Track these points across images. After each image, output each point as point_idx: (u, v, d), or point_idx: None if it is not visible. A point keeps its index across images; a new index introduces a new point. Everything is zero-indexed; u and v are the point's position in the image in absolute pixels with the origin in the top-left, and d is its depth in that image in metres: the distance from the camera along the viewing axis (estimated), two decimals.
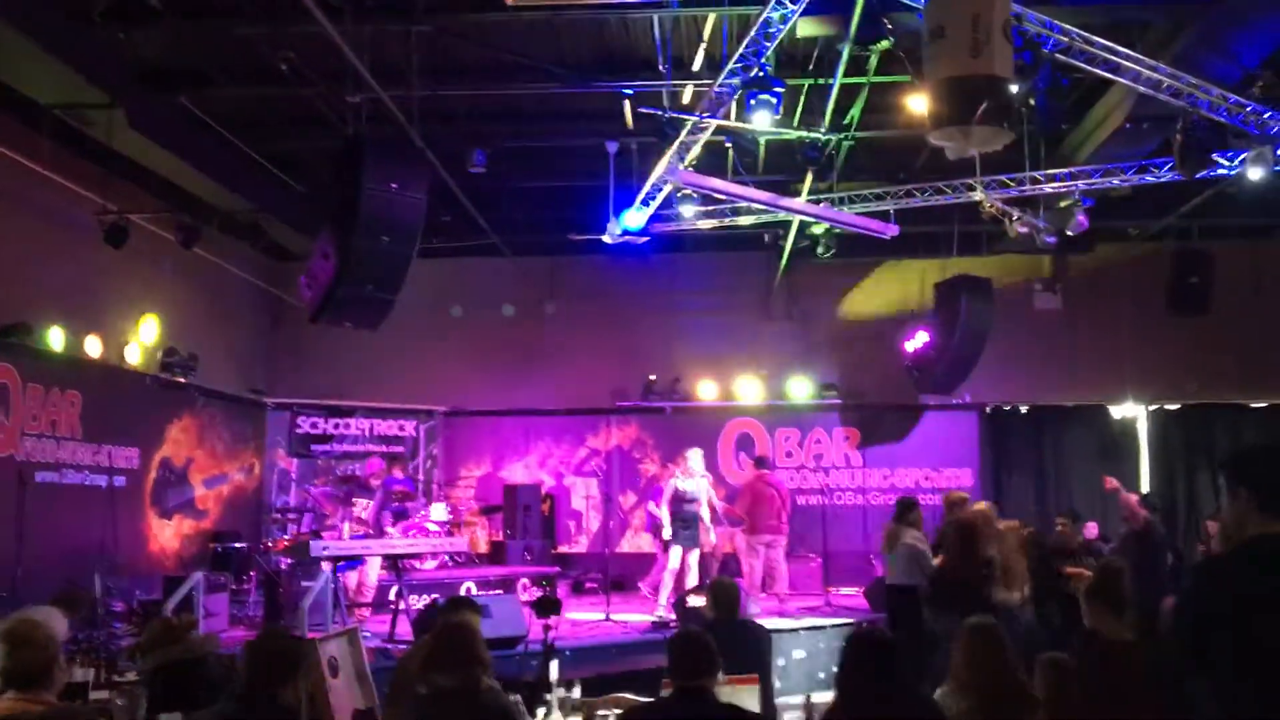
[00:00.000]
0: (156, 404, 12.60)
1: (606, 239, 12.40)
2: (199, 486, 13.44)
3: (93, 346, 11.38)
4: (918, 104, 9.05)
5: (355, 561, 10.67)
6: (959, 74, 6.68)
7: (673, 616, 10.88)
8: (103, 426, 11.31)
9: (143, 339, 12.39)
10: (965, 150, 7.39)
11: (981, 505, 10.07)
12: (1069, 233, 11.88)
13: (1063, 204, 11.79)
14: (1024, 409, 15.83)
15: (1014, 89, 7.24)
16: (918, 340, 14.65)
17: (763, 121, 9.07)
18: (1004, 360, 14.73)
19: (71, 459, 10.86)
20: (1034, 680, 4.51)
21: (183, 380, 12.93)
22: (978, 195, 11.59)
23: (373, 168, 8.99)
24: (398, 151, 9.81)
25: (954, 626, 4.85)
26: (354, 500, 11.63)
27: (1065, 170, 11.54)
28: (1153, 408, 15.68)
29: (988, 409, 15.66)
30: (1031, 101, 8.79)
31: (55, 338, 10.79)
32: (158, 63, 10.25)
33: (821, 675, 9.67)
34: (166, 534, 12.71)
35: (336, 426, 15.30)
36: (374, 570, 11.22)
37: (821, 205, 12.24)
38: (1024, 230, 12.09)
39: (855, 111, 10.86)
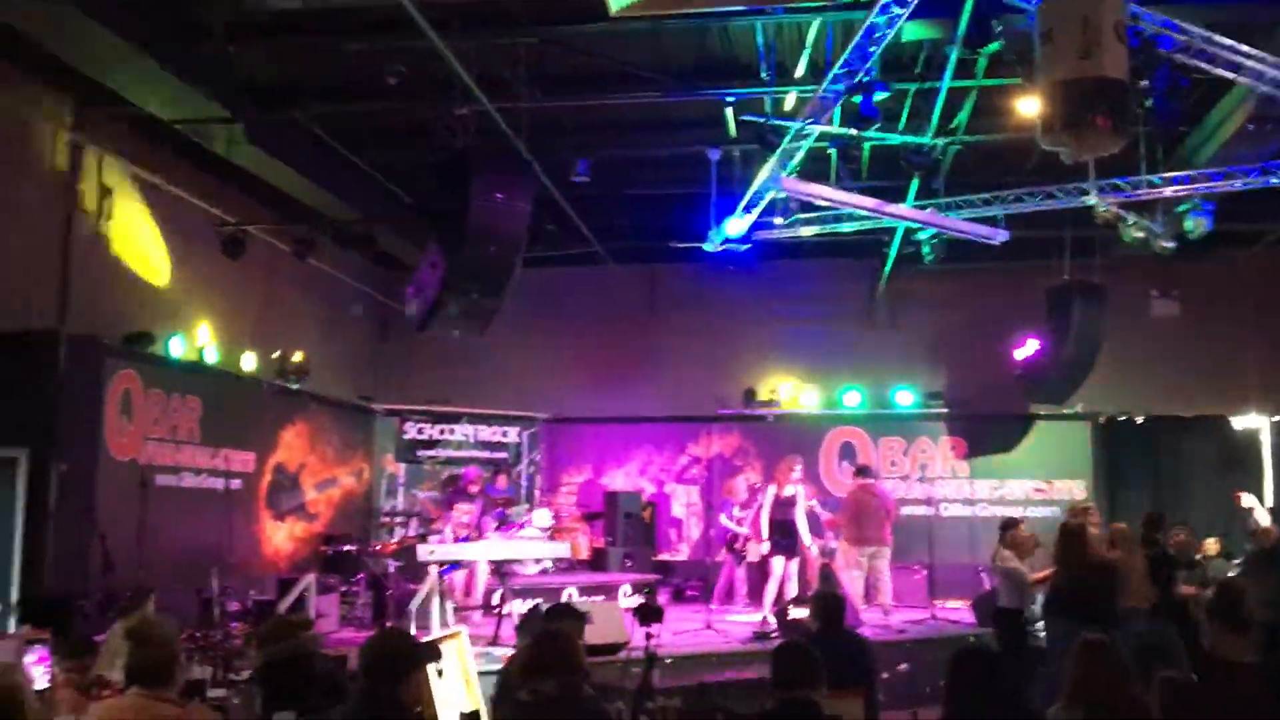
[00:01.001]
0: (271, 410, 12.99)
1: (708, 247, 12.39)
2: (311, 490, 13.80)
3: (210, 354, 11.79)
4: (1028, 107, 8.85)
5: (463, 564, 10.83)
6: (1069, 77, 6.53)
7: (774, 627, 10.79)
8: (220, 431, 11.70)
9: (258, 347, 12.78)
10: (1079, 155, 7.20)
11: (1081, 504, 9.84)
12: (1188, 237, 11.47)
13: (1181, 208, 11.39)
14: (1139, 419, 15.32)
15: (1129, 90, 7.02)
16: (1028, 348, 14.30)
17: (865, 127, 8.98)
18: (1119, 369, 14.29)
19: (190, 462, 11.25)
20: (1150, 697, 4.35)
21: (296, 387, 13.31)
22: (1091, 199, 11.26)
23: (479, 179, 9.15)
24: (503, 162, 9.96)
25: (1067, 636, 4.72)
26: (455, 505, 11.81)
27: (1184, 173, 11.14)
28: (1277, 419, 15.03)
29: (1101, 419, 15.19)
30: (1149, 103, 8.51)
31: (175, 345, 11.20)
32: (273, 79, 10.58)
33: (928, 689, 9.48)
34: (280, 536, 13.08)
35: (442, 432, 15.57)
36: (483, 574, 11.37)
37: (928, 211, 12.04)
38: (1139, 235, 11.72)
39: (963, 115, 10.66)
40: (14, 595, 8.87)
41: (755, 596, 12.51)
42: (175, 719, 3.73)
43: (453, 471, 14.90)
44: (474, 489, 12.24)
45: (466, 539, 11.47)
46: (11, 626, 8.33)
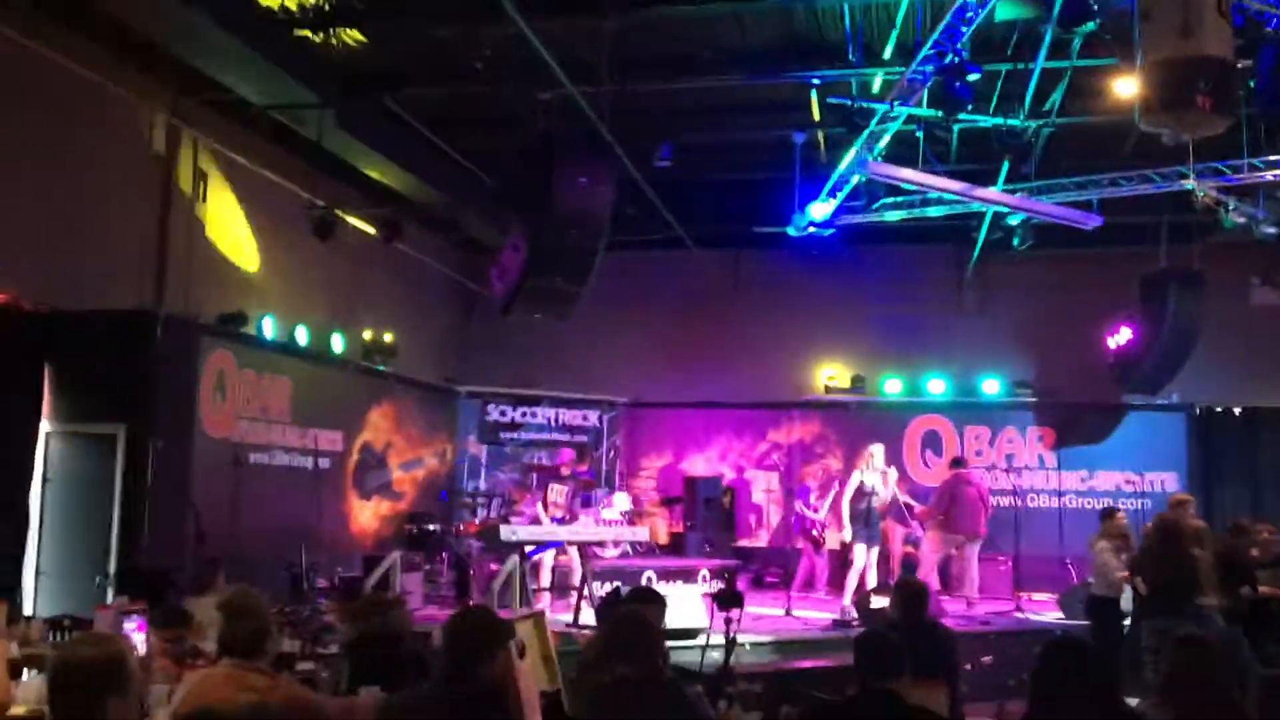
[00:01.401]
0: (359, 390, 13.23)
1: (792, 231, 12.28)
2: (396, 470, 14.04)
3: (301, 335, 12.04)
4: (1125, 88, 8.59)
5: (548, 545, 10.91)
6: (1169, 56, 6.32)
7: (855, 615, 10.71)
8: (310, 411, 11.95)
9: (346, 328, 13.02)
10: (1179, 136, 6.97)
11: (1179, 497, 9.58)
12: None
13: None
14: (1238, 410, 14.84)
15: (1233, 70, 6.77)
16: (1121, 336, 13.94)
17: (955, 109, 8.81)
18: (1216, 358, 13.85)
19: (281, 441, 11.52)
20: (1244, 698, 4.22)
21: (383, 368, 13.53)
22: (1190, 183, 10.91)
23: (562, 163, 9.17)
24: (586, 147, 9.97)
25: (1159, 633, 4.59)
26: (549, 486, 11.88)
27: None
28: None
29: (1197, 410, 14.75)
30: (1252, 83, 8.21)
31: (267, 326, 11.46)
32: (362, 64, 10.74)
33: (1011, 682, 9.32)
34: (366, 515, 13.33)
35: (524, 415, 15.71)
36: (576, 555, 11.40)
37: (1018, 195, 11.78)
38: (1240, 220, 11.33)
39: (1056, 96, 10.39)
40: (112, 566, 9.17)
41: (835, 585, 12.43)
42: (265, 689, 3.81)
43: (537, 453, 15.06)
44: (566, 471, 12.31)
45: (561, 520, 11.53)
46: (110, 597, 8.62)
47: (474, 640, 3.96)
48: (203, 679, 4.06)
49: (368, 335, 13.49)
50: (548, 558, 11.24)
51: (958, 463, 12.68)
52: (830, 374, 15.72)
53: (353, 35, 10.03)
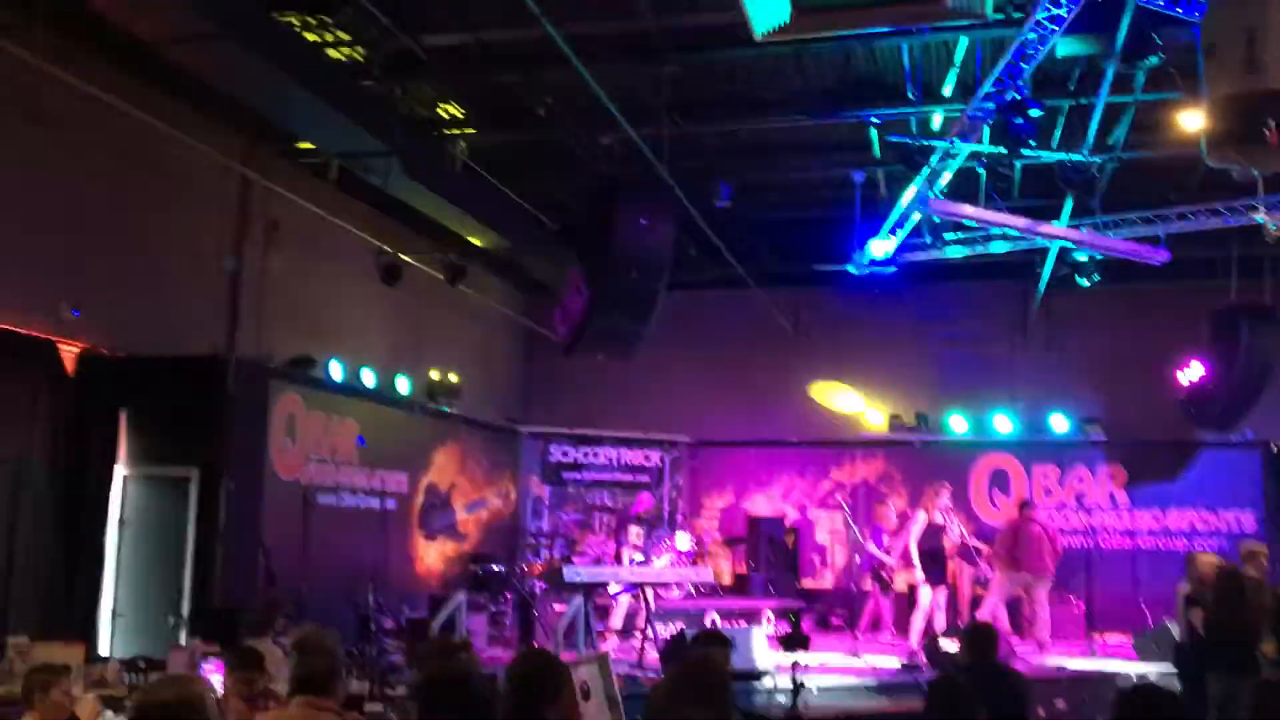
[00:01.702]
0: (423, 432, 13.38)
1: (852, 269, 12.25)
2: (460, 511, 14.14)
3: (368, 377, 12.22)
4: (1190, 121, 8.50)
5: (628, 588, 10.90)
6: (1235, 91, 6.25)
7: (923, 659, 10.54)
8: (376, 452, 12.10)
9: (412, 370, 13.20)
10: (1247, 171, 6.87)
11: (1251, 548, 9.31)
12: None
13: None
14: None
15: None
16: (1193, 372, 13.65)
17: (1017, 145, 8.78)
18: None
19: (349, 483, 11.66)
20: None
21: (447, 410, 13.67)
22: (1260, 216, 10.72)
23: (623, 206, 9.26)
24: (647, 189, 10.06)
25: (1227, 685, 4.47)
26: (628, 528, 11.86)
27: None
28: None
29: (1274, 447, 14.37)
30: None
31: (335, 369, 11.66)
32: (428, 111, 10.96)
33: None
34: (431, 555, 13.43)
35: (586, 455, 15.75)
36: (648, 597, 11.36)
37: (1084, 230, 11.65)
38: None
39: (1121, 131, 10.30)
40: (186, 607, 9.33)
41: (901, 627, 12.26)
42: None
43: (600, 493, 15.09)
44: (643, 514, 12.32)
45: (645, 563, 11.53)
46: (183, 638, 8.77)
47: (537, 683, 3.97)
48: (273, 718, 4.09)
49: (433, 376, 13.65)
50: (623, 599, 11.20)
51: (1025, 506, 12.47)
52: (899, 412, 15.57)
53: (420, 83, 10.25)
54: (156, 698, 3.17)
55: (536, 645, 10.37)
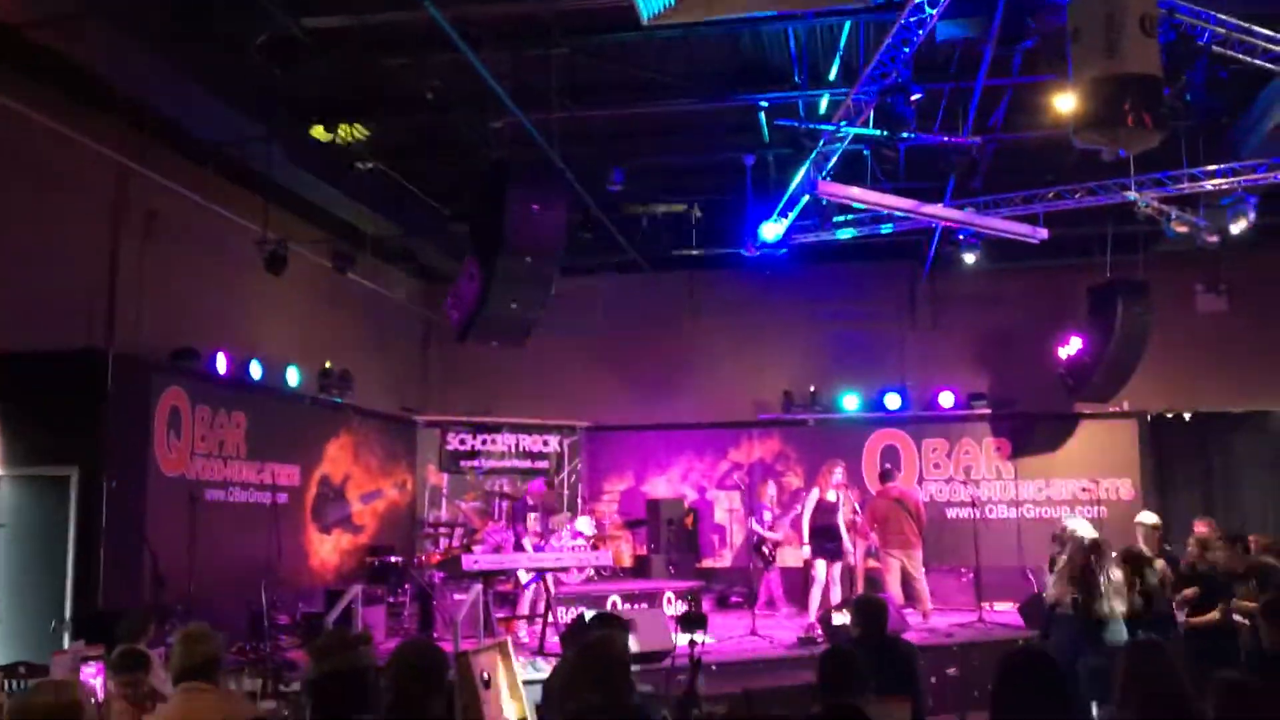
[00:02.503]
0: (315, 423, 13.13)
1: (745, 252, 12.38)
2: (356, 502, 13.93)
3: (256, 369, 11.94)
4: (1065, 103, 8.77)
5: (537, 576, 10.85)
6: (1097, 74, 6.48)
7: (819, 633, 10.76)
8: (265, 446, 11.84)
9: (301, 361, 12.92)
10: (1114, 152, 7.13)
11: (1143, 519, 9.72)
12: (1232, 231, 11.31)
13: (1224, 201, 11.23)
14: (1188, 416, 15.10)
15: (1160, 85, 6.93)
16: (1071, 346, 14.16)
17: (900, 128, 8.96)
18: (1165, 365, 14.11)
19: (238, 477, 11.40)
20: (1207, 702, 4.28)
21: (339, 400, 13.43)
22: (1133, 195, 11.15)
23: (515, 190, 9.19)
24: (538, 173, 10.02)
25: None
26: (527, 516, 11.80)
27: (1226, 165, 10.99)
28: None
29: (1149, 416, 15.00)
30: (1187, 96, 8.41)
31: (221, 362, 11.35)
32: (312, 96, 10.71)
33: (976, 694, 9.41)
34: (326, 548, 13.20)
35: (484, 443, 15.65)
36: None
37: (965, 210, 11.97)
38: (1183, 230, 11.57)
39: (999, 113, 10.58)
40: (68, 611, 9.02)
41: (799, 602, 12.50)
42: (215, 705, 4.10)
43: (499, 480, 15.00)
44: (533, 501, 12.26)
45: (542, 548, 11.48)
46: (66, 642, 8.47)
47: (417, 674, 3.96)
48: (162, 713, 4.12)
49: (325, 366, 13.38)
50: (532, 588, 11.17)
51: (886, 475, 12.86)
52: (791, 392, 15.80)
53: (303, 67, 10.00)
54: (31, 703, 3.08)
55: (424, 636, 10.29)
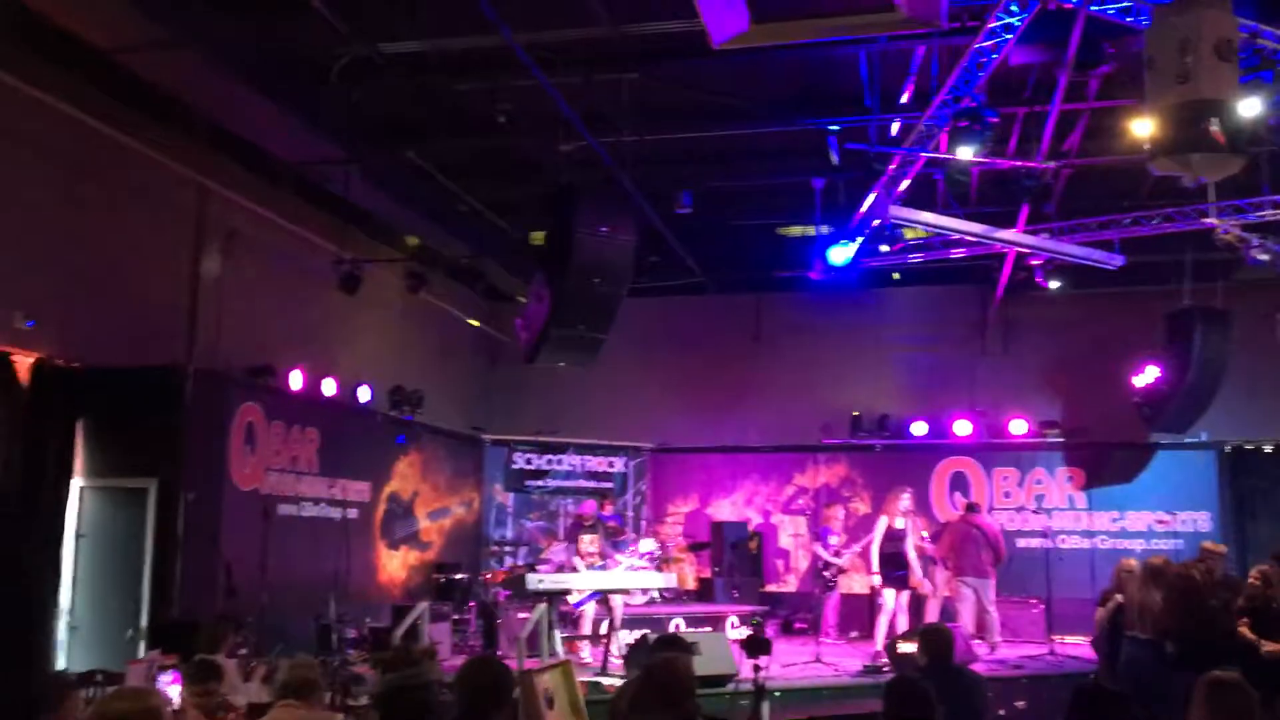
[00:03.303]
0: (386, 440, 13.31)
1: (813, 275, 12.33)
2: (423, 519, 14.08)
3: (329, 386, 12.15)
4: (1142, 128, 8.64)
5: (591, 596, 10.86)
6: (1171, 101, 6.38)
7: (885, 661, 10.62)
8: (337, 462, 12.03)
9: (373, 379, 13.12)
10: (1193, 178, 6.99)
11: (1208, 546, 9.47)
12: None
13: None
14: (1268, 447, 14.68)
15: (1233, 111, 6.79)
16: (1148, 375, 13.87)
17: (968, 153, 8.87)
18: (1245, 395, 13.77)
19: (310, 492, 11.59)
20: None
21: (409, 418, 13.61)
22: (1212, 221, 10.91)
23: (584, 213, 9.26)
24: (608, 196, 10.08)
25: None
26: (579, 537, 11.83)
27: None
28: None
29: (1227, 447, 14.61)
30: (1273, 122, 8.23)
31: (296, 379, 11.58)
32: (388, 119, 10.93)
33: None
34: (394, 564, 13.36)
35: (549, 462, 15.73)
36: (619, 605, 11.30)
37: (1039, 236, 11.80)
38: (1264, 257, 11.30)
39: (1075, 137, 10.44)
40: (144, 620, 9.23)
41: (849, 629, 12.37)
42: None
43: (564, 500, 15.05)
44: (589, 520, 12.27)
45: (603, 568, 11.47)
46: (141, 651, 8.67)
47: (483, 692, 4.00)
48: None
49: (394, 385, 13.58)
50: (589, 608, 11.18)
51: (971, 509, 12.65)
52: (859, 416, 15.66)
53: (379, 91, 10.21)
54: (111, 710, 3.16)
55: (490, 653, 10.34)
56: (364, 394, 12.87)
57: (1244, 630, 7.81)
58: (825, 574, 12.78)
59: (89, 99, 9.25)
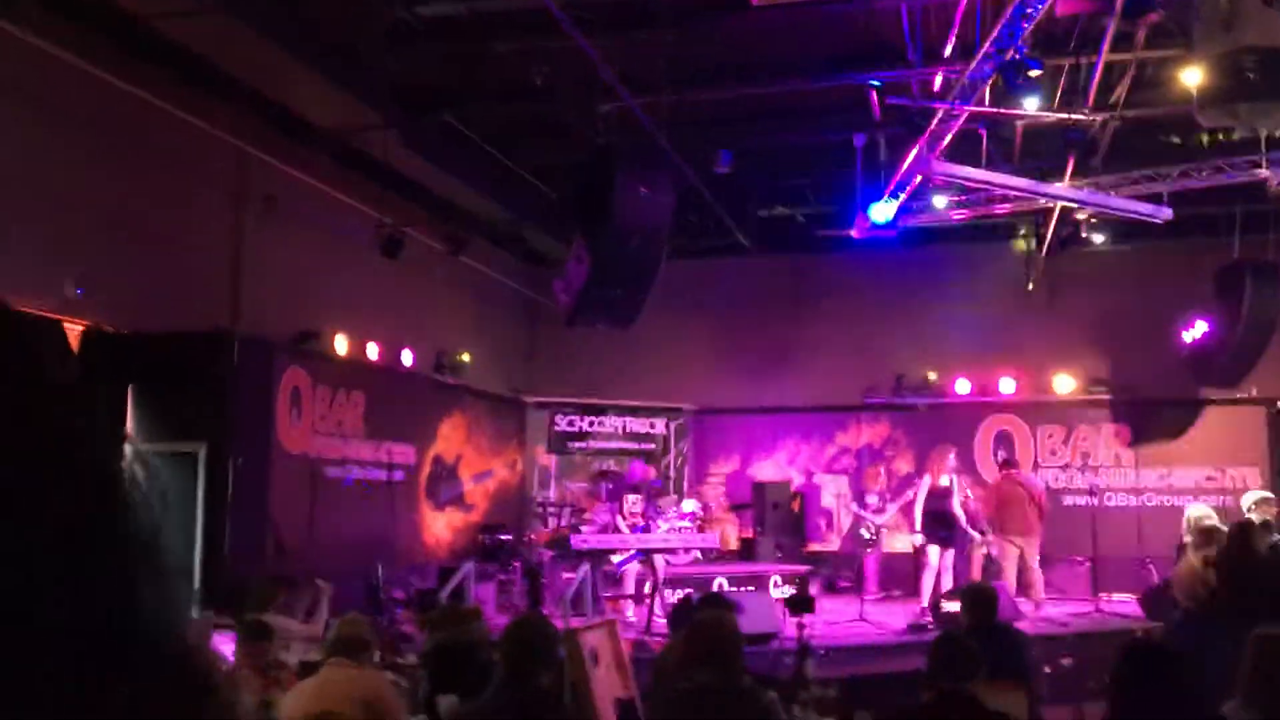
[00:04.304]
0: (429, 403, 13.43)
1: (854, 234, 12.23)
2: (468, 481, 14.21)
3: (372, 350, 12.26)
4: (1190, 78, 8.45)
5: (632, 556, 10.94)
6: (1218, 50, 6.23)
7: (930, 619, 10.62)
8: (382, 425, 12.15)
9: (416, 343, 13.22)
10: (1249, 128, 6.85)
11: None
12: None
13: None
14: None
15: None
16: (1196, 330, 13.64)
17: (1029, 105, 8.72)
18: None
19: (356, 456, 11.72)
20: None
21: (453, 381, 13.71)
22: (1263, 173, 10.68)
23: (622, 174, 9.23)
24: (646, 157, 10.03)
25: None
26: (624, 497, 11.91)
27: None
28: None
29: (1278, 404, 14.38)
30: None
31: (340, 343, 11.69)
32: (425, 83, 10.92)
33: (1091, 684, 9.18)
34: (439, 526, 13.51)
35: (591, 424, 15.80)
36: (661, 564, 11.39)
37: (1085, 190, 11.61)
38: None
39: (1122, 89, 10.24)
40: (196, 581, 9.41)
41: (890, 587, 12.36)
42: (352, 679, 4.55)
43: (606, 461, 15.13)
44: (633, 481, 12.35)
45: (643, 529, 11.55)
46: (195, 612, 8.85)
47: (529, 649, 4.05)
48: (326, 676, 4.56)
49: (437, 348, 13.67)
50: (631, 567, 11.26)
51: (1007, 464, 12.56)
52: (902, 375, 15.57)
53: (416, 55, 10.21)
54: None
55: (535, 612, 10.45)
56: (406, 358, 12.97)
57: None
58: (864, 532, 12.79)
59: (129, 67, 9.31)
